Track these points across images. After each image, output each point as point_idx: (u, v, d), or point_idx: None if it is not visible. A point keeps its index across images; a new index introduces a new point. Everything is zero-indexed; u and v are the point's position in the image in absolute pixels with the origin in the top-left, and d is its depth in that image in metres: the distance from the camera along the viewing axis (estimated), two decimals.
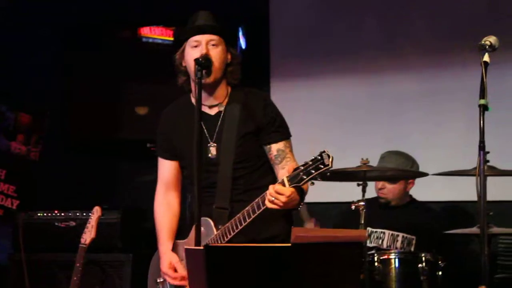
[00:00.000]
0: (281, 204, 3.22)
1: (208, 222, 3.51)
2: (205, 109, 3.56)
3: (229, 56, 3.58)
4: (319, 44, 5.69)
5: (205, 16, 3.55)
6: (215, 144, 3.57)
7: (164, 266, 3.66)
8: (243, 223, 3.38)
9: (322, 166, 3.13)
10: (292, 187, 3.20)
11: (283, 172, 3.49)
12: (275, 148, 3.58)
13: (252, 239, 3.48)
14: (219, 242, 3.45)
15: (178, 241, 3.76)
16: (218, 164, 3.56)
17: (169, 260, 3.65)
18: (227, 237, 3.44)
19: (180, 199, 3.84)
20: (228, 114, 3.59)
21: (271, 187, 3.23)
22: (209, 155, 3.57)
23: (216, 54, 3.49)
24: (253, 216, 3.34)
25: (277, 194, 3.21)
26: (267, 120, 3.59)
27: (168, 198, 3.80)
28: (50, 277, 5.30)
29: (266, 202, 3.25)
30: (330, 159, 3.12)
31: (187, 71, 3.57)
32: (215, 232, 3.48)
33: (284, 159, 3.57)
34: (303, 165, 3.18)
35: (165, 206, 3.79)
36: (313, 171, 3.15)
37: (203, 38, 3.50)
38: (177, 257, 3.66)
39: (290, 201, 3.24)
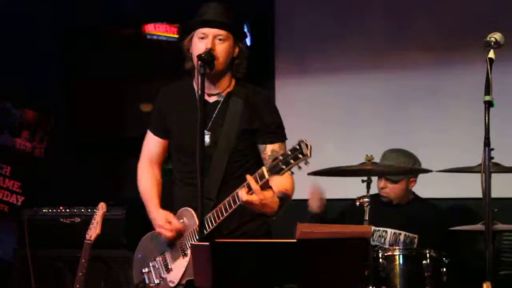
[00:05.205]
0: (256, 200, 3.27)
1: (190, 213, 3.54)
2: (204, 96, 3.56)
3: (236, 50, 3.59)
4: (323, 41, 5.68)
5: (216, 8, 3.55)
6: (209, 132, 3.57)
7: (160, 221, 3.60)
8: (220, 217, 3.40)
9: (300, 156, 3.14)
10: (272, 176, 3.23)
11: None
12: (269, 148, 3.60)
13: (224, 235, 3.49)
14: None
15: None
16: (211, 154, 3.56)
17: (165, 216, 3.61)
18: (206, 230, 3.42)
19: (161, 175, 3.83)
20: (230, 106, 3.60)
21: (249, 178, 3.28)
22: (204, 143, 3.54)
23: (222, 49, 3.51)
24: (229, 210, 3.38)
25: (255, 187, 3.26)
26: (268, 120, 3.61)
27: (154, 171, 3.80)
28: (55, 273, 5.32)
29: (241, 193, 3.29)
30: (309, 149, 3.12)
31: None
32: (197, 223, 3.42)
33: None
34: (282, 155, 3.20)
35: (152, 176, 3.78)
36: (292, 161, 3.16)
37: (210, 31, 3.51)
38: (171, 214, 3.62)
39: (265, 200, 3.29)
